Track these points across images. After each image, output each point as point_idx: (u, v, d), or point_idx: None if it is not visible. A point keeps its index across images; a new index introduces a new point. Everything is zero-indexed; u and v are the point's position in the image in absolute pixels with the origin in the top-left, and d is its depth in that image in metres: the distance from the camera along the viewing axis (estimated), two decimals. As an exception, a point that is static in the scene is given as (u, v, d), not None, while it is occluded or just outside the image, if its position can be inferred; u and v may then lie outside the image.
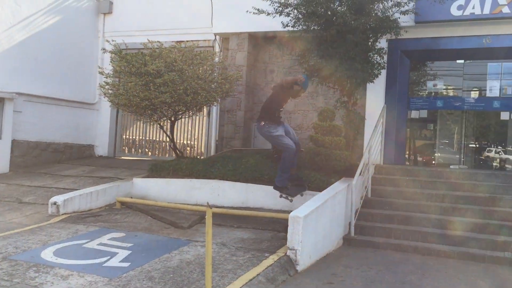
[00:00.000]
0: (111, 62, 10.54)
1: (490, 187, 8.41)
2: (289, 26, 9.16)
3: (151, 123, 11.00)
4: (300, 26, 8.97)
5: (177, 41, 11.12)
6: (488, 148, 12.48)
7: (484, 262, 6.72)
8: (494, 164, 12.04)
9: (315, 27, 8.82)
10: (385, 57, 9.80)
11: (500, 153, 12.45)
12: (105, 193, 8.90)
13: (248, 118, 12.42)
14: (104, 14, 14.09)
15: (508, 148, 11.91)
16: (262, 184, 8.71)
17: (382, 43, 9.75)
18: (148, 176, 9.80)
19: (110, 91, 10.39)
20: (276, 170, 8.11)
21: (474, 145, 12.22)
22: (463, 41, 10.16)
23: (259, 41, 12.49)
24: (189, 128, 13.65)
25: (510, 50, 9.99)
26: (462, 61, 11.03)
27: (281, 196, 7.89)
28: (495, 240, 7.06)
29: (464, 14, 9.80)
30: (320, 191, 7.65)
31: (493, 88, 10.58)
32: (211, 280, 4.73)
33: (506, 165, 12.04)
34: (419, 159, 12.26)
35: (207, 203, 4.58)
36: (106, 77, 10.53)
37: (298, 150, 8.01)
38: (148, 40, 10.69)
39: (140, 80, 9.59)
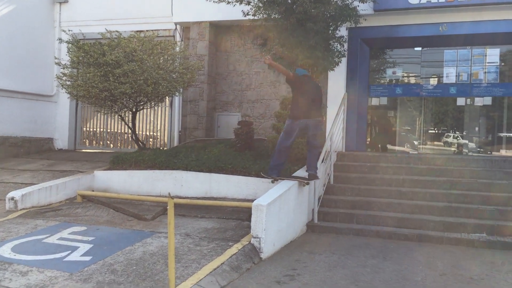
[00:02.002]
0: (68, 52, 10.25)
1: (447, 171, 8.67)
2: (249, 14, 9.12)
3: (112, 115, 10.79)
4: (261, 14, 8.95)
5: (137, 31, 10.91)
6: (446, 134, 12.82)
7: (442, 243, 6.94)
8: (452, 149, 12.39)
9: (276, 16, 8.81)
10: (346, 45, 9.92)
11: (458, 138, 12.81)
12: (65, 187, 8.69)
13: (211, 108, 12.36)
14: (60, 3, 13.67)
15: (465, 133, 12.27)
16: (226, 173, 8.70)
17: (342, 31, 9.84)
18: (110, 169, 9.62)
19: (67, 82, 10.13)
20: (239, 159, 8.11)
21: (433, 131, 12.53)
22: (420, 29, 10.38)
23: (220, 30, 12.40)
24: (152, 119, 13.47)
25: (465, 37, 10.28)
26: (419, 48, 11.27)
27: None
28: (452, 222, 7.29)
29: (421, 2, 10.00)
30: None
31: (449, 74, 10.87)
32: (174, 271, 4.71)
33: (464, 150, 12.40)
34: (380, 145, 12.49)
35: (169, 193, 4.53)
36: (63, 68, 10.25)
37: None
38: (106, 30, 10.45)
39: (99, 70, 9.38)
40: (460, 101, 11.12)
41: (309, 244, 6.86)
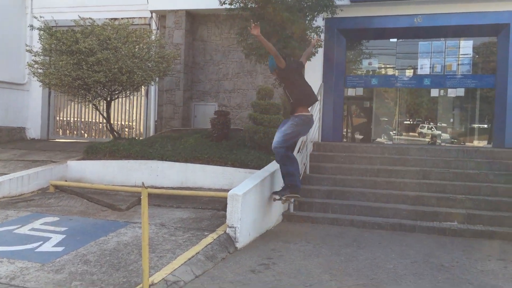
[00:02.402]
0: (39, 40, 10.01)
1: (421, 161, 8.81)
2: (226, 3, 9.05)
3: (86, 104, 10.62)
4: (237, 3, 8.89)
5: (111, 18, 10.73)
6: (421, 125, 13.01)
7: (415, 231, 7.06)
8: (427, 139, 12.58)
9: (252, 5, 8.77)
10: (322, 35, 9.94)
11: (432, 129, 13.01)
12: (37, 177, 8.53)
13: (188, 98, 12.27)
14: (32, -11, 13.32)
15: (439, 124, 12.47)
16: (202, 163, 8.67)
17: (319, 22, 9.86)
18: (83, 159, 9.48)
19: (39, 71, 9.91)
20: (215, 149, 8.08)
21: (409, 122, 12.70)
22: (396, 20, 10.46)
23: (197, 19, 12.28)
24: (127, 108, 13.31)
25: (439, 29, 10.41)
26: (395, 40, 11.37)
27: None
28: (425, 211, 7.42)
29: (397, -7, 10.08)
30: (260, 169, 7.70)
31: (424, 66, 11.00)
32: (149, 261, 4.67)
33: (438, 141, 12.61)
34: (356, 135, 12.61)
35: (142, 183, 4.49)
36: (35, 56, 10.02)
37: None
38: (80, 17, 10.23)
39: (72, 58, 9.20)
40: (434, 92, 11.28)
41: (285, 233, 6.89)
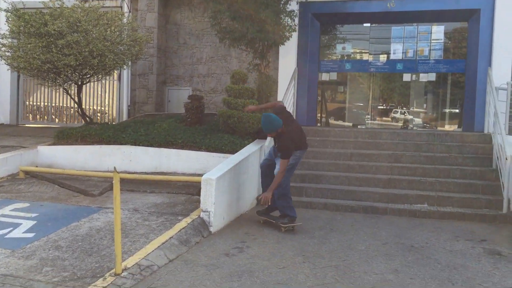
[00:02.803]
0: (6, 22, 9.70)
1: (393, 144, 8.93)
2: (199, -14, 8.92)
3: (56, 88, 10.37)
4: (211, -14, 8.79)
5: (81, 0, 10.45)
6: (394, 110, 13.16)
7: (386, 214, 7.19)
8: (400, 124, 12.75)
9: (226, -12, 8.68)
10: (296, 19, 9.91)
11: (405, 113, 13.18)
12: (6, 163, 8.34)
13: (161, 82, 12.12)
14: (-2, -31, 12.85)
15: (412, 109, 12.64)
16: (176, 148, 8.61)
17: (293, 6, 9.82)
18: (54, 144, 9.30)
19: (7, 53, 9.62)
20: (189, 134, 8.02)
21: (382, 107, 12.83)
22: (369, 5, 10.49)
23: (170, 2, 12.09)
24: (99, 93, 13.08)
25: (411, 14, 10.49)
26: (368, 25, 11.42)
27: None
28: (396, 193, 7.55)
29: (370, -22, 10.09)
30: (234, 153, 7.70)
31: (396, 51, 11.10)
32: (122, 246, 4.65)
33: (410, 125, 12.79)
34: (330, 120, 12.70)
35: (114, 167, 4.43)
36: (2, 38, 9.72)
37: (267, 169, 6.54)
38: (49, -2, 9.94)
39: (41, 41, 8.95)
40: (406, 77, 11.42)
41: (259, 217, 6.91)
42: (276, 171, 6.18)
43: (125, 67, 10.88)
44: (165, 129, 9.24)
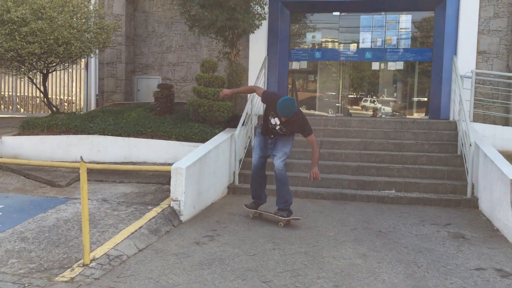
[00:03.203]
0: (-33, 8, 9.36)
1: (362, 132, 9.05)
2: (167, -28, 8.79)
3: (20, 77, 10.10)
4: (179, -27, 8.66)
5: (45, -14, 10.14)
6: (364, 98, 13.31)
7: (355, 200, 7.30)
8: (370, 112, 12.92)
9: (195, -25, 8.57)
10: (266, 7, 9.88)
11: (374, 102, 13.35)
12: (-31, 154, 8.11)
13: (130, 71, 11.94)
14: (-44, -47, 12.35)
15: (381, 98, 12.81)
16: (146, 137, 8.53)
17: (263, -7, 9.78)
18: (19, 134, 9.07)
19: (-32, 41, 9.29)
20: (159, 123, 7.94)
21: (353, 96, 12.97)
22: (337, -7, 10.55)
23: (138, -11, 11.88)
24: (66, 82, 12.80)
25: (380, 2, 10.60)
26: (337, 13, 11.48)
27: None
28: (365, 180, 7.68)
29: (339, -33, 10.14)
30: (204, 142, 7.67)
31: (365, 40, 11.21)
32: (90, 236, 4.59)
33: (379, 113, 12.97)
34: (301, 108, 12.76)
35: (81, 157, 4.36)
36: (-38, 25, 9.37)
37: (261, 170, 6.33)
38: (11, -16, 9.62)
39: (3, 28, 8.69)
40: (375, 66, 11.56)
41: (230, 205, 6.94)
42: (278, 162, 5.92)
43: (92, 55, 10.67)
44: (134, 119, 9.13)
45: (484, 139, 7.89)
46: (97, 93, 12.14)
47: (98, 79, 12.11)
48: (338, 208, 6.88)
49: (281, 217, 5.92)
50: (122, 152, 8.48)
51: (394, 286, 4.05)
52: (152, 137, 8.51)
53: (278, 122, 5.85)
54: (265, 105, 6.11)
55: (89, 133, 8.68)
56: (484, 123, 9.41)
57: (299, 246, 5.12)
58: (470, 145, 7.13)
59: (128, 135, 8.57)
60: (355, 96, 12.97)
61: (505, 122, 9.63)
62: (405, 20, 10.99)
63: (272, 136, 6.06)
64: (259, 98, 9.50)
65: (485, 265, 4.62)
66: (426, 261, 4.70)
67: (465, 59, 9.71)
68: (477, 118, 9.48)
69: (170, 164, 7.35)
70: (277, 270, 4.39)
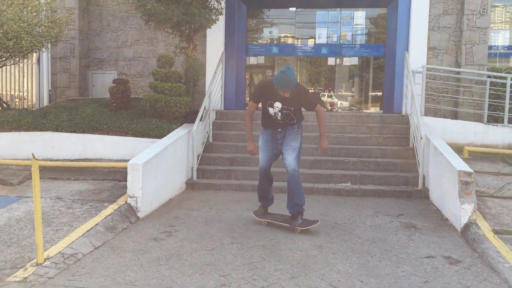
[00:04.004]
0: None
1: (318, 126, 9.16)
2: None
3: (-33, 72, 9.69)
4: (134, -34, 8.52)
5: (-7, -22, 9.75)
6: (322, 93, 13.52)
7: (313, 194, 7.44)
8: (328, 107, 13.14)
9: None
10: (223, 3, 9.86)
11: (331, 97, 13.60)
12: None
13: (84, 66, 11.66)
14: None
15: (338, 93, 13.07)
16: (101, 134, 8.39)
17: (220, -11, 9.75)
18: (-33, 132, 8.72)
19: None
20: (115, 119, 7.81)
21: (311, 91, 13.16)
22: (293, -11, 10.66)
23: (91, -19, 11.59)
24: (17, 77, 12.37)
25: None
26: (294, 9, 11.60)
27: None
28: (322, 173, 7.83)
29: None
30: (162, 138, 7.61)
31: (321, 35, 11.39)
32: (43, 234, 4.49)
33: (336, 108, 13.22)
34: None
35: (32, 154, 4.24)
36: None
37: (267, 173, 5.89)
38: (-45, -25, 9.20)
39: (-52, 21, 8.31)
40: (331, 61, 11.77)
41: (188, 201, 6.93)
42: (290, 160, 5.51)
43: (44, 50, 10.35)
44: (89, 114, 8.94)
45: (434, 132, 8.19)
46: (50, 88, 11.79)
47: (50, 74, 11.76)
48: (296, 201, 6.96)
49: (298, 227, 5.38)
50: (76, 149, 8.29)
51: (348, 276, 4.17)
52: (108, 133, 8.37)
53: (279, 106, 5.33)
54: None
55: (41, 130, 8.45)
56: (435, 116, 9.76)
57: (257, 239, 5.17)
58: (421, 138, 7.39)
59: (83, 132, 8.39)
60: (313, 91, 13.16)
61: (454, 116, 10.02)
62: (360, 16, 11.24)
63: (280, 129, 5.58)
64: (217, 93, 9.56)
65: (435, 253, 4.82)
66: (379, 250, 4.85)
67: (417, 54, 10.03)
68: (428, 112, 9.81)
69: (127, 161, 7.26)
70: (235, 264, 4.43)
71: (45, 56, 11.55)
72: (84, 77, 11.66)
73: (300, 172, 7.77)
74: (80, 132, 8.38)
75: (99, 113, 9.10)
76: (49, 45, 10.53)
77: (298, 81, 5.25)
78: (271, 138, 5.71)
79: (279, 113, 5.44)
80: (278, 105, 5.38)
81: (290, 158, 5.48)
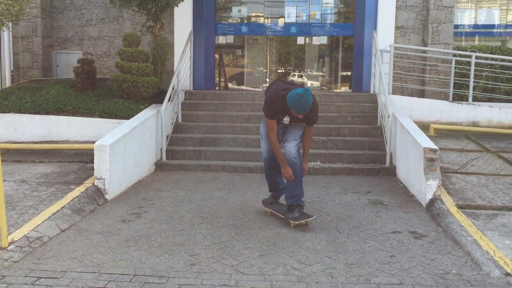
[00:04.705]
0: None
1: (288, 106, 9.19)
2: None
3: None
4: None
5: None
6: (292, 73, 13.50)
7: (283, 173, 7.46)
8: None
9: None
10: (190, -20, 9.67)
11: (302, 77, 13.59)
12: None
13: (48, 46, 11.31)
14: None
15: (308, 72, 13.05)
16: (67, 115, 8.20)
17: (187, -34, 9.56)
18: None
19: None
20: (80, 100, 7.62)
21: (281, 71, 13.11)
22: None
23: (53, -43, 11.17)
24: (-23, 58, 11.90)
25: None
26: (263, -13, 11.48)
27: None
28: (291, 153, 7.85)
29: None
30: (129, 118, 7.49)
31: (290, 14, 11.31)
32: (7, 218, 4.38)
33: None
34: (229, 84, 12.75)
35: (-8, 136, 4.11)
36: None
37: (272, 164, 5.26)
38: None
39: None
40: (300, 40, 11.72)
41: (158, 182, 6.87)
42: (290, 147, 4.89)
43: (4, 28, 9.94)
44: (53, 95, 8.71)
45: (401, 111, 8.32)
46: (12, 69, 11.41)
47: (12, 54, 11.37)
48: (266, 181, 6.98)
49: (291, 221, 4.90)
50: (41, 131, 8.08)
51: (317, 253, 4.23)
52: (73, 115, 8.18)
53: (288, 120, 4.89)
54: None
55: (4, 112, 8.19)
56: (402, 95, 9.88)
57: (226, 219, 5.18)
58: (388, 116, 7.48)
59: (48, 113, 8.17)
60: (283, 71, 13.13)
61: (421, 94, 10.18)
62: (329, -5, 11.21)
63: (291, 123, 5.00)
64: (185, 73, 9.42)
65: (401, 228, 4.93)
66: (347, 227, 4.93)
67: (385, 34, 10.09)
68: (395, 91, 9.93)
69: (94, 142, 7.11)
70: (204, 243, 4.43)
71: (6, 35, 11.14)
72: (47, 57, 11.31)
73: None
74: (44, 114, 8.17)
75: (64, 94, 8.87)
76: (10, 24, 10.13)
77: (313, 97, 4.71)
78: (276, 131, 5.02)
79: (286, 122, 4.96)
80: (287, 119, 4.90)
81: (290, 145, 4.90)
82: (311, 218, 4.90)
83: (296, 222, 4.88)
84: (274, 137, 4.86)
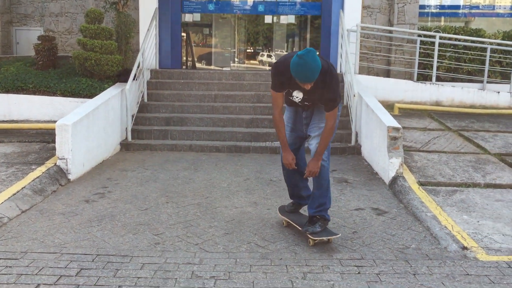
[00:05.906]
0: None
1: (255, 85, 9.17)
2: None
3: None
4: None
5: None
6: (261, 53, 13.43)
7: (249, 152, 7.47)
8: (267, 67, 13.09)
9: None
10: (155, -44, 9.42)
11: (271, 56, 13.53)
12: None
13: (7, 22, 10.89)
14: None
15: (277, 52, 13.00)
16: (27, 94, 7.96)
17: None
18: None
19: None
20: (41, 78, 7.39)
21: (250, 50, 13.02)
22: None
23: None
24: None
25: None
26: (228, -36, 11.29)
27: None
28: (258, 132, 7.86)
29: None
30: (92, 97, 7.32)
31: (258, -8, 11.20)
32: (-37, 200, 4.25)
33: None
34: (197, 63, 12.60)
35: None
36: None
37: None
38: None
39: None
40: (268, 19, 11.63)
41: (123, 162, 6.77)
42: (312, 143, 3.99)
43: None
44: (13, 73, 8.41)
45: (367, 90, 8.40)
46: (-31, 46, 10.97)
47: (-31, 30, 10.91)
48: (233, 160, 7.00)
49: (311, 237, 3.96)
50: (1, 110, 7.83)
51: (281, 231, 4.27)
52: (34, 93, 7.95)
53: (300, 97, 3.93)
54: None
55: (-40, 90, 7.89)
56: (368, 75, 9.98)
57: (192, 198, 5.16)
58: (354, 96, 7.55)
59: (7, 92, 7.92)
60: (252, 50, 13.05)
61: (387, 74, 10.30)
62: (296, -27, 11.11)
63: (307, 108, 4.09)
64: (151, 52, 9.24)
65: (364, 205, 5.02)
66: (312, 205, 4.98)
67: (352, 13, 10.09)
68: (362, 71, 10.01)
69: (56, 122, 6.96)
70: (169, 223, 4.41)
71: (-39, 10, 10.67)
72: (6, 33, 10.91)
73: (237, 131, 7.86)
74: (3, 92, 7.91)
75: (24, 72, 8.58)
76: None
77: (326, 64, 3.83)
78: (295, 116, 4.19)
79: (298, 100, 4.01)
80: (298, 95, 3.95)
81: (315, 142, 3.96)
82: (335, 236, 4.00)
83: (317, 239, 3.94)
84: (278, 114, 3.95)
